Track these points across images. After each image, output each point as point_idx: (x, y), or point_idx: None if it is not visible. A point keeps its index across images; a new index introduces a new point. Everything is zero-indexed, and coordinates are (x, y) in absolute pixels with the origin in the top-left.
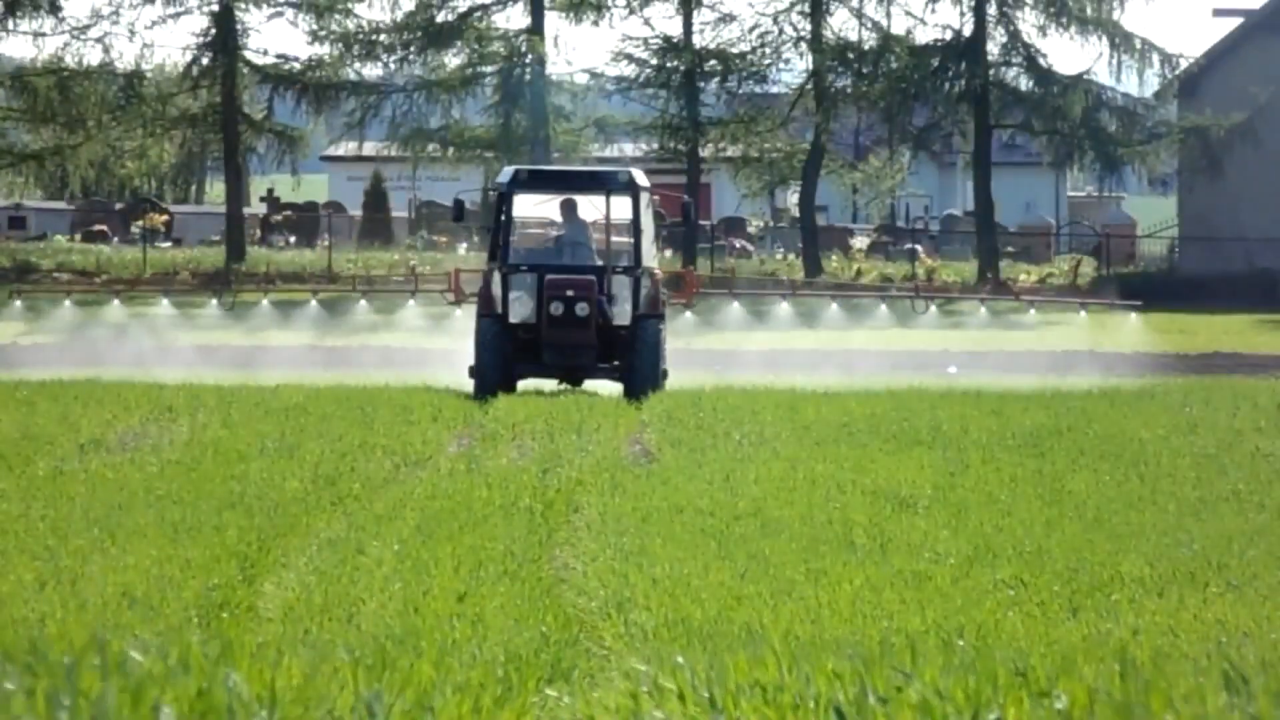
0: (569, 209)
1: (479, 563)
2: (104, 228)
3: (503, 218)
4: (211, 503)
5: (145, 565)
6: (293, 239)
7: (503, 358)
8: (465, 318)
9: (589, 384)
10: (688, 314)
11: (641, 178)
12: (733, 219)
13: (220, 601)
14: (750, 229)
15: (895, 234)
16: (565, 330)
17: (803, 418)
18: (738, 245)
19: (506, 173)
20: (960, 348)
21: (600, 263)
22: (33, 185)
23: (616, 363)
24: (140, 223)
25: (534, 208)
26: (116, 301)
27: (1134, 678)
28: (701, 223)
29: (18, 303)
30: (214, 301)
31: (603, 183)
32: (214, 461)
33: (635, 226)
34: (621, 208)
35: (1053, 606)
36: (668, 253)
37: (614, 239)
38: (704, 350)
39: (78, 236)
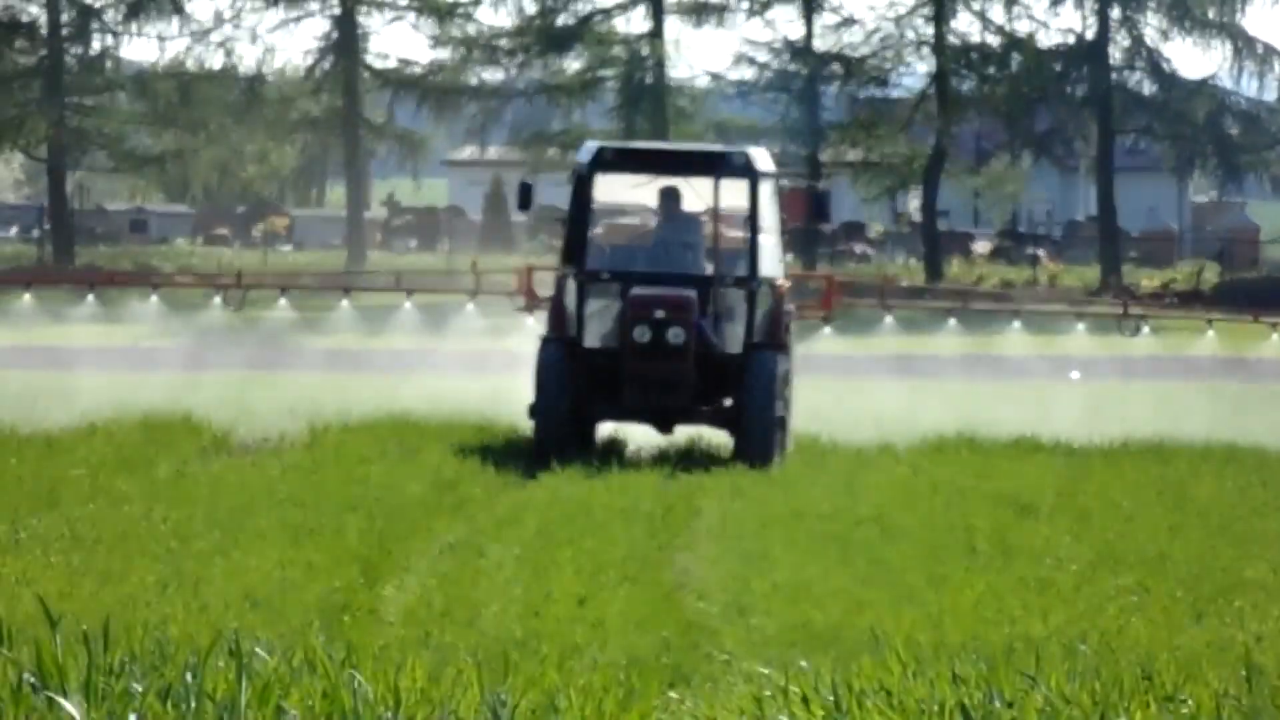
0: (670, 199)
1: (599, 567)
2: (225, 231)
3: (581, 208)
4: (333, 506)
5: (267, 568)
6: (414, 243)
7: (571, 395)
8: (539, 328)
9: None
10: (827, 329)
11: (764, 159)
12: (853, 224)
13: (342, 604)
14: (871, 234)
15: (1017, 239)
16: (653, 362)
17: (923, 424)
18: (858, 250)
19: (588, 149)
20: None
21: (708, 271)
22: (154, 188)
23: (727, 403)
24: (261, 226)
25: (626, 193)
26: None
27: (1259, 683)
28: (822, 227)
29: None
30: (217, 300)
31: (711, 164)
32: (335, 465)
33: (753, 222)
34: (735, 197)
35: (1176, 612)
36: (788, 256)
37: (725, 238)
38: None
39: (199, 240)
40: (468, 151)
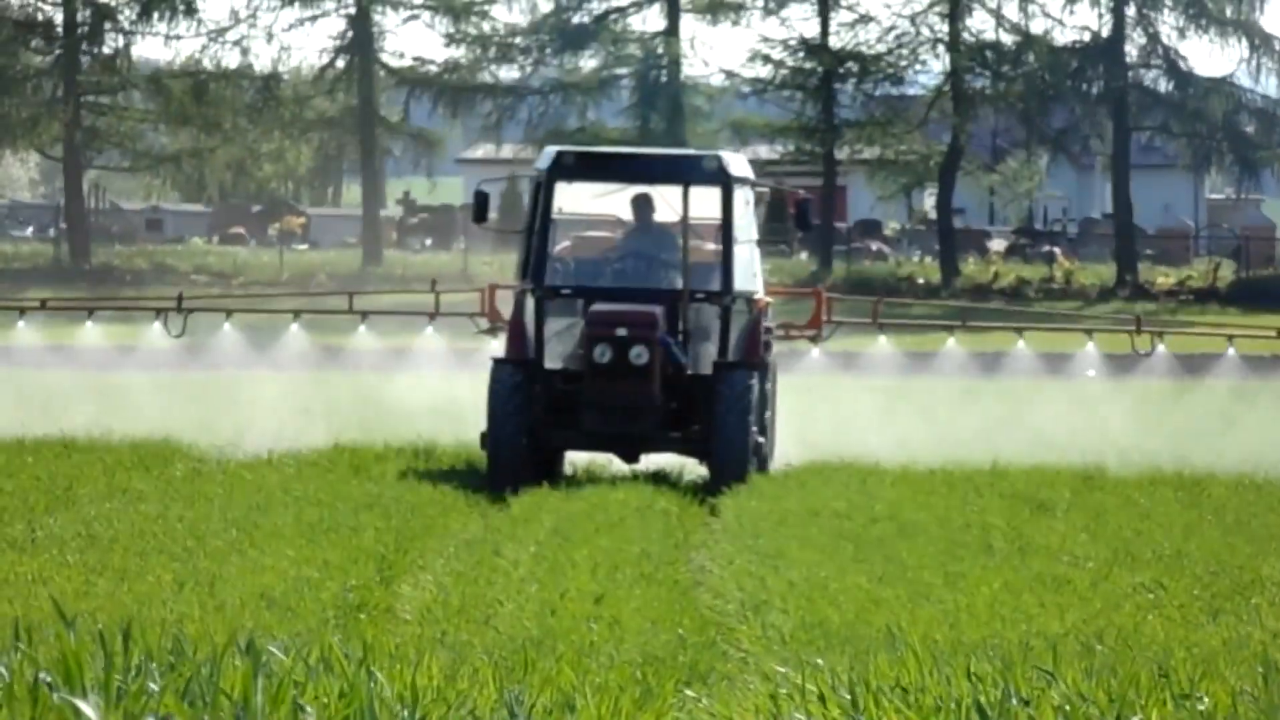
0: (643, 207)
1: (615, 565)
2: (241, 230)
3: (541, 218)
4: (349, 504)
5: (283, 566)
6: (429, 241)
7: (526, 422)
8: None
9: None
10: (815, 351)
11: (740, 165)
12: (869, 221)
13: (358, 603)
14: (886, 231)
15: (1033, 236)
16: (615, 384)
17: (938, 423)
18: (874, 248)
19: (547, 155)
20: None
21: (678, 286)
22: (169, 188)
23: (696, 428)
24: (277, 225)
25: (592, 202)
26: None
27: (1276, 680)
28: (838, 225)
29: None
30: (156, 324)
31: (681, 170)
32: (351, 463)
33: (727, 232)
34: (707, 205)
35: (1193, 610)
36: (803, 255)
37: (697, 251)
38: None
39: (215, 239)
40: (482, 150)
